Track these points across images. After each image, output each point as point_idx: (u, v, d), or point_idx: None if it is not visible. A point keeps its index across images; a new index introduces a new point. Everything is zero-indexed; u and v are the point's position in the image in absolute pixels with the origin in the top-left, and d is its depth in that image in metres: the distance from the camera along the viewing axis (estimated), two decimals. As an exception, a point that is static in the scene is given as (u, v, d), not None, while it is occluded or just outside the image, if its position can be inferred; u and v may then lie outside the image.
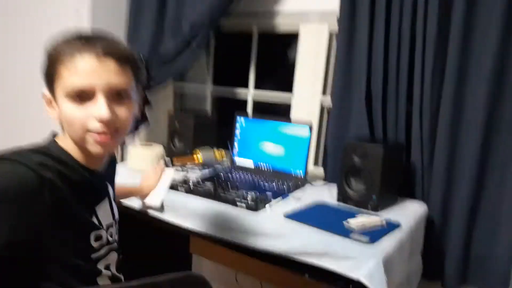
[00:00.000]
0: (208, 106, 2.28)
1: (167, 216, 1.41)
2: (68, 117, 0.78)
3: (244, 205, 1.31)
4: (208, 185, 1.46)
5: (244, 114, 1.83)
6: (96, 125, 0.77)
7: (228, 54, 2.30)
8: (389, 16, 1.47)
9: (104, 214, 0.92)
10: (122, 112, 0.80)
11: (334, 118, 1.64)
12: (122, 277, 1.00)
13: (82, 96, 0.76)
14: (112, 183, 1.03)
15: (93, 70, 0.75)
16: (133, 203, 1.48)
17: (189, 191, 1.44)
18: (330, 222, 1.22)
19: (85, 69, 0.75)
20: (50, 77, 0.79)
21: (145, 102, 1.94)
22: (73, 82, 0.75)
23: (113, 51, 0.77)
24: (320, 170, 1.82)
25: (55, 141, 0.85)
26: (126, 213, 1.52)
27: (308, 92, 1.85)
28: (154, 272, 1.30)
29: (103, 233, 0.90)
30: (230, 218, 1.28)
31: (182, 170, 1.69)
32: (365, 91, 1.54)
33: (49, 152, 0.80)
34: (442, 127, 1.42)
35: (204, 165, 1.75)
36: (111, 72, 0.77)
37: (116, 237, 0.99)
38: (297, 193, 1.49)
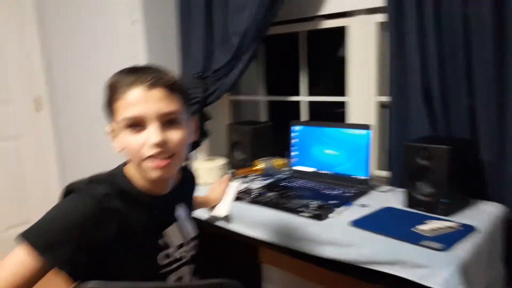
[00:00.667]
0: (263, 115, 2.31)
1: (235, 226, 1.45)
2: (127, 146, 0.84)
3: (308, 214, 1.32)
4: (271, 195, 1.49)
5: (299, 122, 1.83)
6: (151, 151, 0.82)
7: (278, 60, 2.32)
8: (439, 3, 1.40)
9: (173, 235, 0.97)
10: (174, 135, 0.85)
11: (393, 119, 1.59)
12: None
13: (136, 125, 0.82)
14: (186, 202, 1.07)
15: (143, 100, 0.81)
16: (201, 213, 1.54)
17: (252, 201, 1.48)
18: (399, 229, 1.19)
19: (135, 100, 0.81)
20: (110, 112, 0.87)
21: (205, 117, 2.01)
22: (126, 113, 0.82)
23: (160, 80, 0.83)
24: (384, 174, 1.77)
25: (122, 170, 0.92)
26: (201, 227, 1.59)
27: (363, 93, 1.81)
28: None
29: (171, 251, 0.94)
30: (295, 228, 1.29)
31: (244, 181, 1.73)
32: (421, 87, 1.48)
33: (115, 182, 0.88)
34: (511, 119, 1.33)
35: (265, 175, 1.78)
36: (160, 100, 0.82)
37: (190, 253, 1.02)
38: (362, 200, 1.47)
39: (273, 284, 2.24)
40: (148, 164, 0.84)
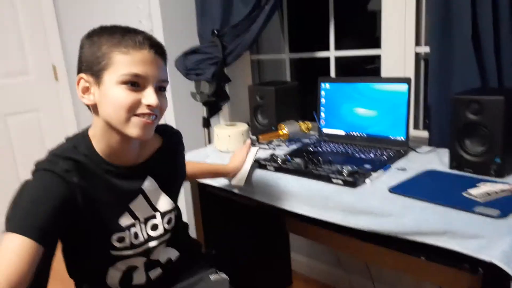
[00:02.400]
0: (288, 75, 2.15)
1: (260, 197, 1.35)
2: (117, 100, 0.86)
3: (340, 181, 1.18)
4: (298, 161, 1.35)
5: (328, 79, 1.67)
6: (145, 110, 0.87)
7: (302, 13, 2.13)
8: None
9: (140, 209, 1.00)
10: (164, 101, 0.92)
11: (434, 70, 1.41)
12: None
13: (135, 83, 0.86)
14: (162, 172, 1.05)
15: (150, 63, 0.87)
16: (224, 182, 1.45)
17: (278, 169, 1.35)
18: (446, 194, 1.04)
19: (143, 60, 0.86)
20: (100, 64, 0.86)
21: (224, 78, 1.88)
22: (131, 69, 0.85)
23: (163, 51, 0.91)
24: (422, 134, 1.60)
25: (87, 139, 0.93)
26: (222, 196, 1.51)
27: (399, 43, 1.62)
28: (253, 253, 1.25)
29: (134, 230, 0.98)
30: (326, 196, 1.16)
31: (269, 148, 1.61)
32: (471, 32, 1.28)
33: (78, 152, 0.91)
34: None
35: (291, 140, 1.65)
36: (161, 69, 0.90)
37: (163, 226, 1.04)
38: (401, 163, 1.32)
39: (301, 255, 2.16)
40: (136, 120, 0.87)
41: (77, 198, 0.87)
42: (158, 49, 0.89)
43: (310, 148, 1.53)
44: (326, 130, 1.64)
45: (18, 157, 2.58)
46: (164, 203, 1.05)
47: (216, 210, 1.38)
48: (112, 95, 0.86)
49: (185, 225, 1.23)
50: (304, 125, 1.66)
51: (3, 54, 2.45)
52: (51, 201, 0.82)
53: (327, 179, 1.22)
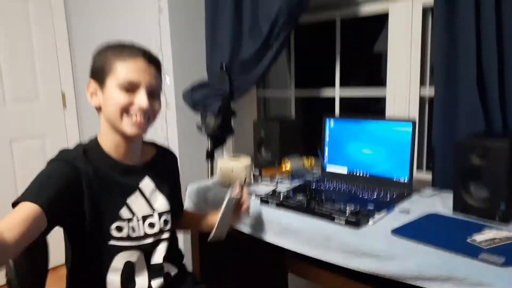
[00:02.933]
0: (293, 112, 2.17)
1: (260, 233, 1.32)
2: (114, 101, 1.01)
3: (343, 220, 1.17)
4: (300, 197, 1.34)
5: (334, 115, 1.68)
6: (136, 110, 1.02)
7: (309, 52, 2.18)
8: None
9: (138, 205, 1.09)
10: (155, 105, 1.07)
11: (439, 112, 1.41)
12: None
13: (129, 88, 1.01)
14: (159, 177, 1.16)
15: (143, 70, 1.02)
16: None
17: (280, 204, 1.34)
18: (450, 239, 1.02)
19: (138, 68, 1.01)
20: (104, 71, 1.02)
21: (230, 112, 1.89)
22: (126, 75, 1.00)
23: (155, 60, 1.06)
24: (425, 176, 1.60)
25: (96, 138, 1.10)
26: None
27: (404, 83, 1.64)
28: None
29: (130, 224, 1.07)
30: (328, 236, 1.14)
31: (271, 183, 1.60)
32: (476, 76, 1.30)
33: (87, 148, 1.06)
34: None
35: (293, 176, 1.64)
36: (152, 76, 1.04)
37: (159, 226, 1.13)
38: (404, 205, 1.30)
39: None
40: (128, 120, 1.02)
41: (82, 183, 0.99)
42: (151, 59, 1.04)
43: (313, 186, 1.52)
44: (329, 168, 1.63)
45: (19, 182, 2.57)
46: (161, 203, 1.14)
47: (214, 244, 1.34)
48: (112, 97, 1.01)
49: (181, 255, 1.26)
50: (307, 162, 1.65)
51: (15, 80, 2.49)
52: (58, 180, 0.95)
53: (330, 218, 1.20)
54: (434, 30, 1.40)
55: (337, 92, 1.92)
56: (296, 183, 1.58)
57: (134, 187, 1.10)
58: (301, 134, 1.84)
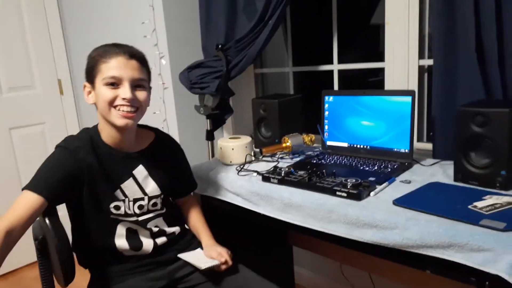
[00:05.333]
0: (291, 89, 2.16)
1: (263, 210, 1.34)
2: (103, 96, 1.13)
3: (344, 193, 1.18)
4: (301, 173, 1.35)
5: (332, 91, 1.67)
6: (121, 102, 1.13)
7: (305, 27, 2.15)
8: None
9: (130, 189, 1.22)
10: (140, 95, 1.16)
11: (439, 83, 1.40)
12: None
13: (113, 83, 1.12)
14: (155, 164, 1.27)
15: (123, 66, 1.12)
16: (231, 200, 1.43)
17: (282, 181, 1.34)
18: (452, 207, 1.03)
19: (117, 65, 1.12)
20: (93, 72, 1.15)
21: (228, 92, 1.88)
22: (109, 73, 1.12)
23: (136, 55, 1.16)
24: (426, 146, 1.60)
25: (96, 127, 1.23)
26: (225, 208, 1.50)
27: (403, 57, 1.63)
28: (255, 267, 1.23)
29: (125, 204, 1.22)
30: (330, 209, 1.15)
31: (272, 160, 1.60)
32: (475, 44, 1.28)
33: (88, 136, 1.20)
34: None
35: (294, 152, 1.64)
36: (134, 69, 1.14)
37: (147, 207, 1.25)
38: (405, 175, 1.31)
39: (305, 268, 2.14)
40: (116, 112, 1.13)
41: (83, 170, 1.14)
42: (132, 54, 1.14)
43: (314, 161, 1.53)
44: (329, 143, 1.64)
45: (21, 170, 2.58)
46: (152, 189, 1.26)
47: (219, 222, 1.36)
48: (100, 93, 1.13)
49: (181, 219, 1.40)
50: (307, 138, 1.65)
51: (10, 68, 2.48)
52: (60, 169, 1.12)
53: (331, 191, 1.21)
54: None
55: (335, 67, 1.90)
56: (297, 159, 1.59)
57: (128, 174, 1.23)
58: (300, 110, 1.83)
